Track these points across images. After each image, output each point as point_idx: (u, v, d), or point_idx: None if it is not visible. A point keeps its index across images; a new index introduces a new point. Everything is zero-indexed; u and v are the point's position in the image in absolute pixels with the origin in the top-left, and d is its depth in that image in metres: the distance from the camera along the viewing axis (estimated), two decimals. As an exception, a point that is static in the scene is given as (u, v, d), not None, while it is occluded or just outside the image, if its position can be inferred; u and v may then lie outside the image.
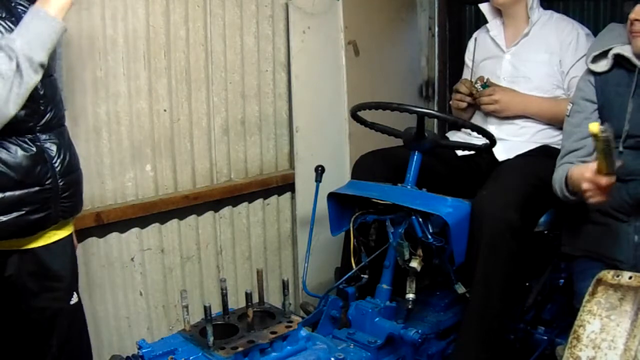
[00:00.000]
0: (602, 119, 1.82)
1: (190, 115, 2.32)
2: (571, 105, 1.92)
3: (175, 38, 2.22)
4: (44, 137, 1.48)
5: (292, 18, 2.54)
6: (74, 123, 1.98)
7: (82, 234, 2.02)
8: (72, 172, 1.56)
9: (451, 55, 3.31)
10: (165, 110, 2.23)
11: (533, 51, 2.29)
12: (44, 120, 1.48)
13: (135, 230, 2.20)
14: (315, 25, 2.61)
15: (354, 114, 2.12)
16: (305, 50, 2.59)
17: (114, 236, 2.15)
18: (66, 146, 1.55)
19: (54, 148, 1.50)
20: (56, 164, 1.50)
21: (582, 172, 1.59)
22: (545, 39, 2.28)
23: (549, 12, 2.36)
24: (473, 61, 2.48)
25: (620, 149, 1.75)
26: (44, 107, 1.48)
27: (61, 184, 1.51)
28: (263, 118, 2.58)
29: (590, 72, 1.88)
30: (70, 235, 1.64)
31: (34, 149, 1.45)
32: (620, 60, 1.81)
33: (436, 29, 3.26)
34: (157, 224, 2.27)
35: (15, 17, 1.41)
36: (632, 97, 1.75)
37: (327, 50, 2.69)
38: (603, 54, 1.83)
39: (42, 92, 1.46)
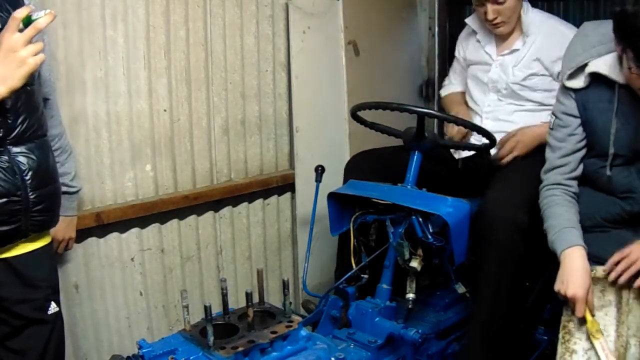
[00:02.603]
0: (587, 134, 1.76)
1: (190, 115, 2.32)
2: (554, 117, 1.82)
3: (175, 38, 2.22)
4: (15, 149, 1.43)
5: (292, 18, 2.54)
6: (74, 123, 1.98)
7: (82, 234, 2.02)
8: (46, 185, 1.50)
9: (451, 55, 3.30)
10: (165, 110, 2.23)
11: (520, 64, 2.22)
12: (14, 133, 1.42)
13: (135, 230, 2.20)
14: (315, 25, 2.61)
15: (354, 114, 2.13)
16: (305, 50, 2.59)
17: (114, 236, 2.15)
18: (42, 158, 1.49)
19: (24, 161, 1.44)
20: (27, 177, 1.44)
21: (579, 284, 1.61)
22: (535, 53, 2.19)
23: (544, 15, 2.25)
24: (465, 59, 2.44)
25: (609, 172, 1.70)
26: (13, 120, 1.42)
27: (32, 197, 1.45)
28: (263, 118, 2.58)
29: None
30: (48, 245, 1.60)
31: (2, 162, 1.40)
32: (597, 76, 1.68)
33: (436, 29, 3.26)
34: (157, 224, 2.27)
35: None
36: (616, 116, 1.66)
37: (327, 50, 2.69)
38: (579, 69, 1.72)
39: (9, 105, 1.40)
